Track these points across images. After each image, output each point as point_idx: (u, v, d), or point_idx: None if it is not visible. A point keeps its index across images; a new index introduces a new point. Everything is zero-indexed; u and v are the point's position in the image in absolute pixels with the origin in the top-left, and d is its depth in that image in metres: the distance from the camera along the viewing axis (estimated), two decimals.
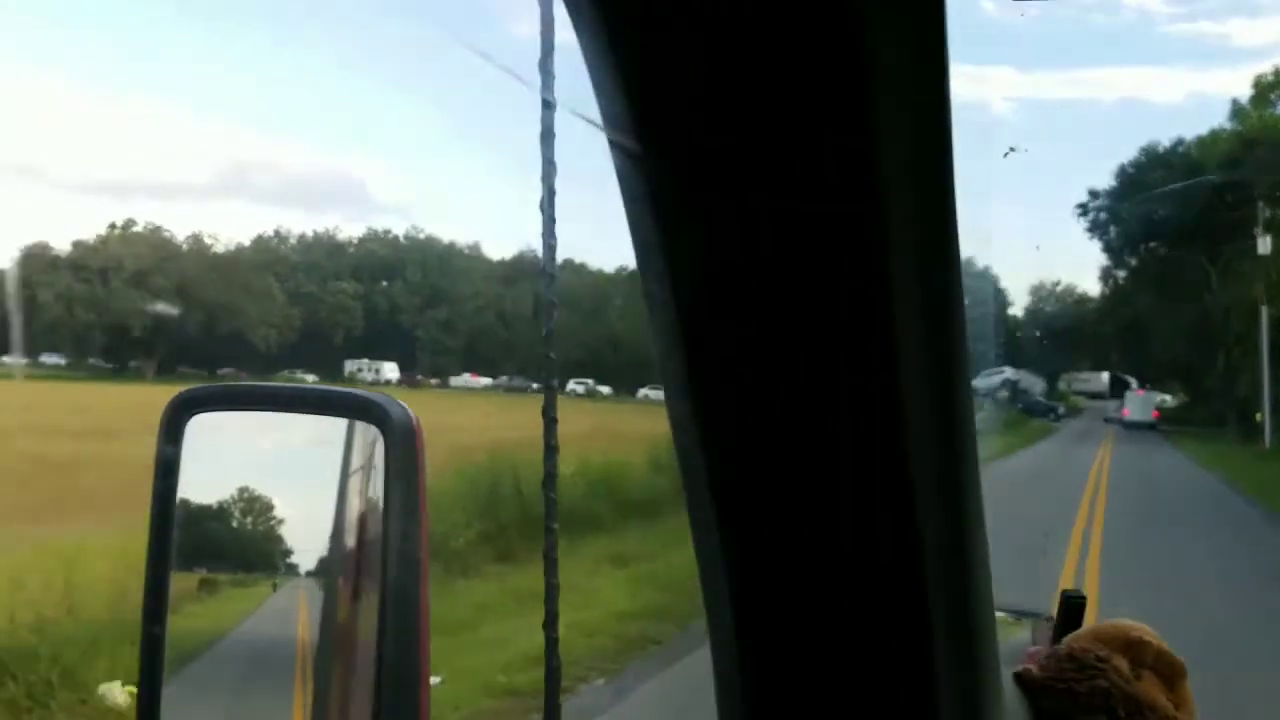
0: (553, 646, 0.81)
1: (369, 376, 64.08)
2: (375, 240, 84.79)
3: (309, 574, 1.05)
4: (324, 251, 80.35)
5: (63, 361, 71.89)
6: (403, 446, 0.85)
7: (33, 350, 74.20)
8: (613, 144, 0.58)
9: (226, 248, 75.48)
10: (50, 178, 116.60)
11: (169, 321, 63.03)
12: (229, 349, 66.18)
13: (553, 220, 0.75)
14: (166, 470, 0.99)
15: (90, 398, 37.82)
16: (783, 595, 0.67)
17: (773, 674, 0.69)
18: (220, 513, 1.05)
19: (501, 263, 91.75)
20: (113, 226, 74.06)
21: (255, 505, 1.06)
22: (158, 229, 75.64)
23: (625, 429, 19.78)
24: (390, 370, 66.62)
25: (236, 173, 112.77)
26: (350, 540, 1.01)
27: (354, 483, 1.01)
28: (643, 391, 59.54)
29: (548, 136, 0.70)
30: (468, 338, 77.95)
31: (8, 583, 7.21)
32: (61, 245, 69.75)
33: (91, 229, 79.47)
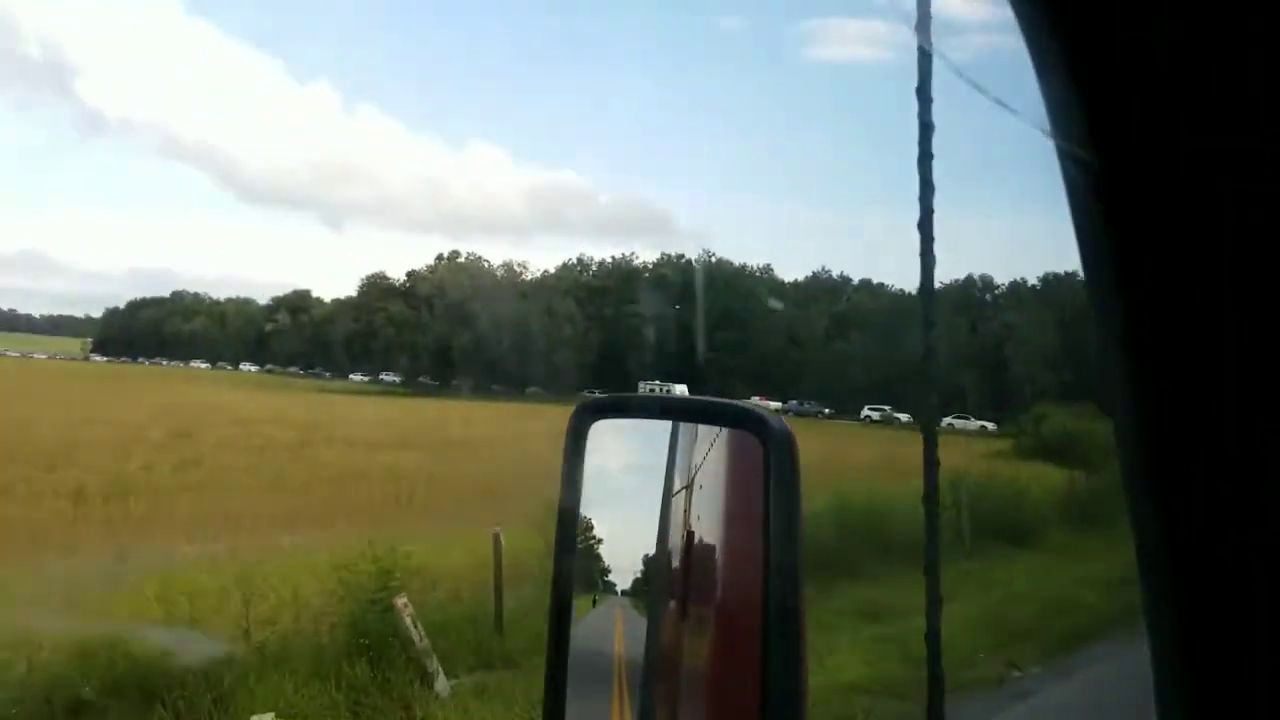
0: (934, 659, 0.90)
1: None
2: (668, 265, 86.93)
3: (625, 593, 1.06)
4: (620, 277, 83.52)
5: (397, 379, 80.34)
6: (782, 457, 0.85)
7: (373, 369, 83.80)
8: (1065, 156, 0.59)
9: (534, 275, 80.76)
10: (400, 217, 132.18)
11: (483, 343, 68.18)
12: (534, 369, 70.42)
13: (931, 239, 0.76)
14: (571, 473, 1.03)
15: (403, 412, 41.34)
16: (1231, 605, 0.64)
17: (1217, 683, 0.66)
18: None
19: (794, 285, 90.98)
20: (440, 257, 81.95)
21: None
22: (478, 259, 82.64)
23: (914, 462, 17.79)
24: (680, 392, 67.57)
25: (552, 208, 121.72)
26: (676, 560, 1.01)
27: (678, 502, 1.03)
28: (946, 420, 55.62)
29: (925, 159, 0.71)
30: (757, 360, 77.42)
31: (196, 597, 7.08)
32: (397, 275, 78.12)
33: (423, 260, 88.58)
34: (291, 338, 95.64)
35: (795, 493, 0.85)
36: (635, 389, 69.87)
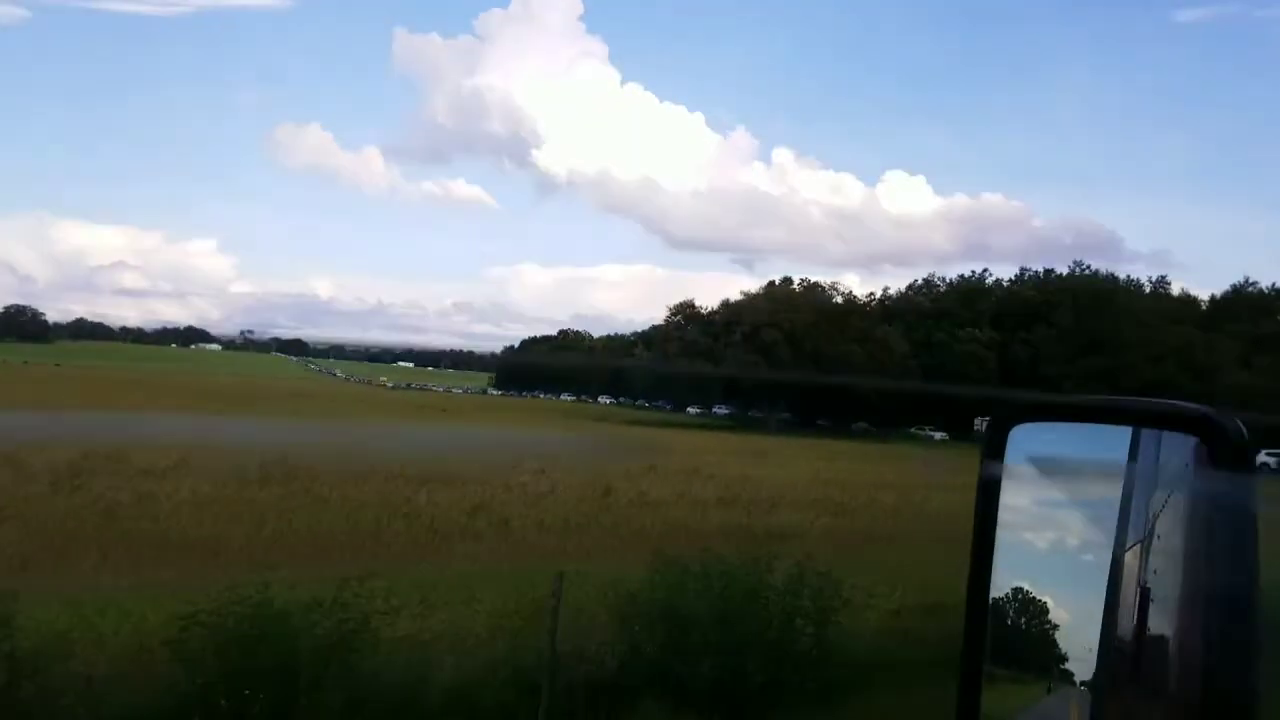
0: None
1: None
2: (1026, 283, 75.74)
3: (1085, 684, 0.92)
4: (960, 298, 74.27)
5: (726, 412, 78.68)
6: (1228, 463, 0.71)
7: (707, 402, 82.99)
8: None
9: (844, 296, 74.74)
10: (814, 254, 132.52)
11: (781, 374, 64.02)
12: (842, 401, 64.70)
13: None
14: (987, 487, 0.96)
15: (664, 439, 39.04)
16: None
17: None
18: (997, 609, 1.00)
19: (1210, 300, 74.89)
20: (771, 283, 79.09)
21: (1030, 606, 0.98)
22: (812, 284, 78.37)
23: None
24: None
25: (976, 235, 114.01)
26: (1127, 630, 0.87)
27: (1130, 564, 0.86)
28: None
29: None
30: (1136, 393, 63.92)
31: None
32: (707, 303, 75.97)
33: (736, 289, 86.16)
34: (645, 371, 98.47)
35: (1245, 516, 0.66)
36: (970, 427, 61.17)
